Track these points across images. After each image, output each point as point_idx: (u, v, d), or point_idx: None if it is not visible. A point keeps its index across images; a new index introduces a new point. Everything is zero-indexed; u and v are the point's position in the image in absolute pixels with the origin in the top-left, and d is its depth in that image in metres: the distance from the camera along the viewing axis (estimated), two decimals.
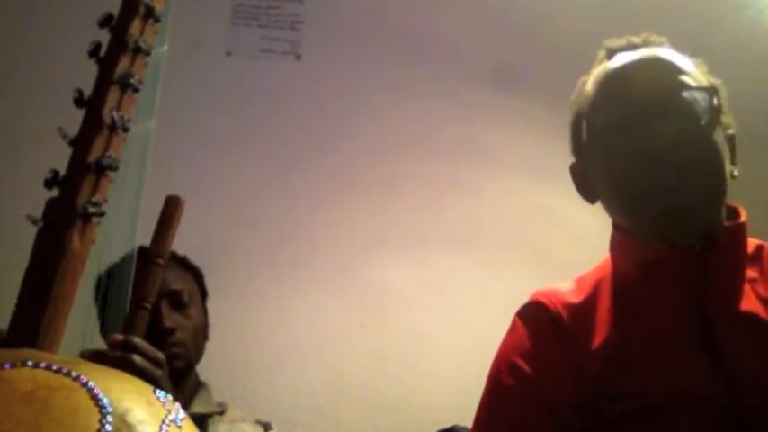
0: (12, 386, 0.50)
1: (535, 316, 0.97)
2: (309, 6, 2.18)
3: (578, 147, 1.01)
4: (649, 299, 0.92)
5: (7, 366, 0.51)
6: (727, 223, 0.94)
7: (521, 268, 1.97)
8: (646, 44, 0.98)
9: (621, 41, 1.00)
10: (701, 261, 0.91)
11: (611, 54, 0.99)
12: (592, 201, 1.01)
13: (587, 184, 1.01)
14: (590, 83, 1.00)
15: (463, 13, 2.21)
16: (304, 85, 2.13)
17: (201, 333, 1.46)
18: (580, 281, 1.00)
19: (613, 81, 0.96)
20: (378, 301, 1.97)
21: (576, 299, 0.96)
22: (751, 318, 0.87)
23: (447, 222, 2.04)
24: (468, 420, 1.57)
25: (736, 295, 0.89)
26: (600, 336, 0.91)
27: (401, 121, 2.11)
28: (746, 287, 0.90)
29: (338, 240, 2.01)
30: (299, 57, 2.16)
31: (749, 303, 0.89)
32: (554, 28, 2.16)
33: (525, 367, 0.92)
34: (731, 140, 0.97)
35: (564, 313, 0.95)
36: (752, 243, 0.96)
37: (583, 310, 0.94)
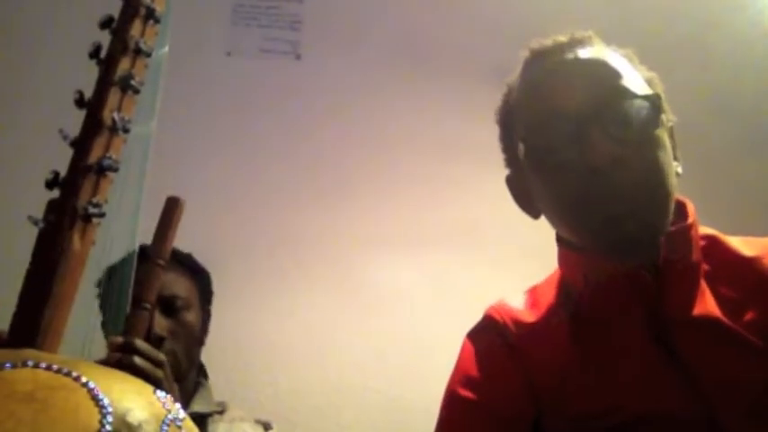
0: (12, 386, 0.50)
1: (486, 333, 0.96)
2: (309, 6, 2.19)
3: (513, 159, 0.95)
4: (603, 314, 0.88)
5: (8, 366, 0.51)
6: (672, 228, 0.87)
7: (521, 268, 1.97)
8: (573, 43, 0.90)
9: (547, 42, 0.92)
10: (652, 270, 0.86)
11: (537, 57, 0.92)
12: (535, 216, 0.96)
13: (528, 198, 0.95)
14: (518, 91, 0.93)
15: (463, 13, 2.21)
16: (304, 85, 2.14)
17: (195, 339, 1.44)
18: (532, 293, 0.98)
19: (544, 93, 0.88)
20: (378, 301, 1.97)
21: (527, 316, 0.94)
22: (707, 321, 0.83)
23: (447, 222, 2.05)
24: None
25: (690, 301, 0.85)
26: (554, 352, 0.88)
27: (401, 121, 2.11)
28: (702, 286, 0.86)
29: (338, 240, 2.01)
30: (299, 57, 2.17)
31: (704, 306, 0.84)
32: (554, 28, 2.16)
33: (479, 381, 0.90)
34: (671, 133, 0.90)
35: (514, 330, 0.92)
36: (703, 234, 0.92)
37: (535, 327, 0.92)
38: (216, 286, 1.56)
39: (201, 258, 1.55)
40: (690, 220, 0.90)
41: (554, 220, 0.92)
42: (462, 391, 0.91)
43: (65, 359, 0.55)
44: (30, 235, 0.64)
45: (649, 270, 0.86)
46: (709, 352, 0.82)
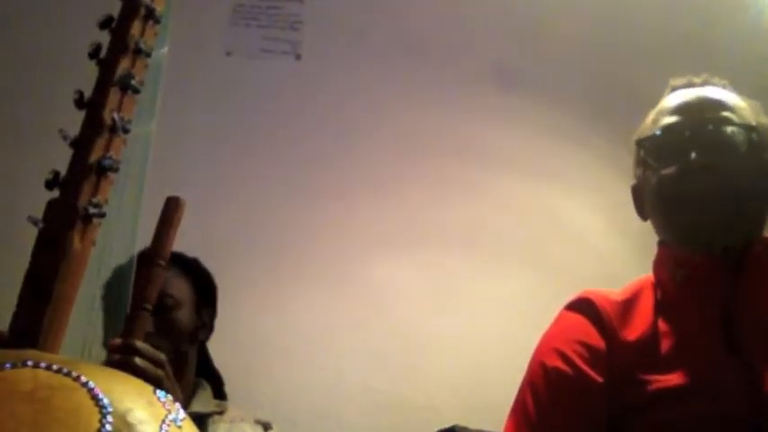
0: (13, 386, 0.50)
1: (583, 309, 1.08)
2: (309, 6, 2.18)
3: (637, 169, 1.14)
4: (682, 300, 1.04)
5: (8, 366, 0.51)
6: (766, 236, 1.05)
7: (521, 269, 1.97)
8: (703, 83, 1.13)
9: (683, 80, 1.14)
10: (732, 269, 1.01)
11: (672, 91, 1.14)
12: (644, 218, 1.14)
13: (641, 202, 1.14)
14: (652, 114, 1.14)
15: (463, 13, 2.21)
16: (304, 85, 2.14)
17: (185, 338, 1.43)
18: (624, 288, 1.12)
19: (666, 114, 1.10)
20: (378, 301, 1.97)
21: (620, 299, 1.08)
22: None
23: (447, 223, 2.04)
24: (467, 420, 1.57)
25: (762, 302, 0.99)
26: (636, 330, 1.02)
27: (401, 121, 2.11)
28: None
29: (339, 241, 2.01)
30: (299, 57, 2.16)
31: None
32: (554, 28, 2.16)
33: (569, 353, 1.02)
34: None
35: (609, 309, 1.06)
36: None
37: (625, 309, 1.06)
38: (217, 287, 1.56)
39: (202, 259, 1.55)
40: None
41: (654, 218, 1.11)
42: (553, 362, 1.03)
43: (65, 359, 0.55)
44: (30, 235, 0.64)
45: (730, 269, 1.02)
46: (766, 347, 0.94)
